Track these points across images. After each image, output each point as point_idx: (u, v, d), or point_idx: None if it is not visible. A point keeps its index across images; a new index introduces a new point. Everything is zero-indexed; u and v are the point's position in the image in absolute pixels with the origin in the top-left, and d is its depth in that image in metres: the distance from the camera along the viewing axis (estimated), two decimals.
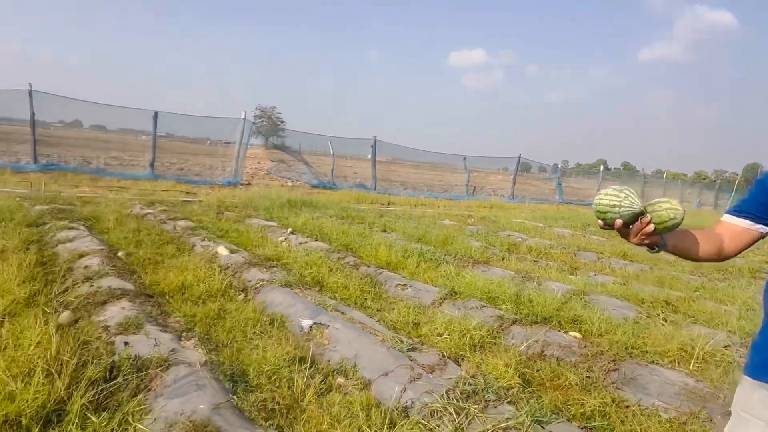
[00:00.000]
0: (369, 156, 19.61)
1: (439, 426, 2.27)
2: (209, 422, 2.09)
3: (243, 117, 15.53)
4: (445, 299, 4.30)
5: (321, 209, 9.84)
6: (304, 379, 2.64)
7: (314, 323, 3.49)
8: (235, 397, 2.43)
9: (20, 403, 2.08)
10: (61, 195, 9.11)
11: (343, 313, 3.77)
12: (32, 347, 2.47)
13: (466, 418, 2.32)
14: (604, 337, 3.57)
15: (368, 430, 2.27)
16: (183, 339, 3.13)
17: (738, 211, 1.42)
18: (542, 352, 3.37)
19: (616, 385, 2.99)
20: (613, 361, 3.18)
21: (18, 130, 17.93)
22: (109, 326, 3.08)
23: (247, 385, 2.62)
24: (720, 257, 1.43)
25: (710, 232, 1.44)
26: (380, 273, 5.07)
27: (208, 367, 2.65)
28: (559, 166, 29.65)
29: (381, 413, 2.40)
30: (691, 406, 2.73)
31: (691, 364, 3.18)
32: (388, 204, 14.13)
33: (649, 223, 1.29)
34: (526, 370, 3.05)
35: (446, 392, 2.53)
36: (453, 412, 2.34)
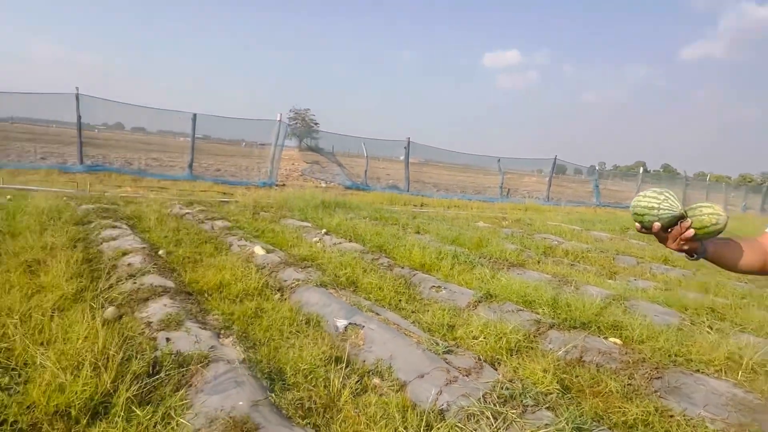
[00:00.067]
0: (401, 157, 19.62)
1: (476, 430, 2.25)
2: (248, 419, 2.13)
3: (278, 119, 15.77)
4: (480, 302, 4.25)
5: (354, 210, 9.89)
6: (340, 379, 2.65)
7: (349, 323, 3.51)
8: (272, 394, 2.46)
9: (69, 395, 2.16)
10: (105, 195, 9.43)
11: (377, 313, 3.78)
12: (80, 341, 2.56)
13: (504, 422, 2.29)
14: (646, 344, 3.47)
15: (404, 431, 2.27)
16: (221, 336, 3.19)
17: None
18: (581, 357, 3.29)
19: (659, 393, 2.90)
20: (656, 368, 3.08)
21: (65, 132, 18.68)
22: (151, 322, 3.17)
23: (284, 384, 2.65)
24: (765, 270, 1.35)
25: (755, 241, 1.36)
26: (414, 274, 5.06)
27: (246, 365, 2.69)
28: (596, 168, 28.99)
29: (417, 415, 2.39)
30: (739, 417, 2.62)
31: (740, 374, 3.05)
32: (421, 206, 14.09)
33: (689, 227, 1.24)
34: (565, 375, 2.99)
35: (483, 396, 2.50)
36: (490, 417, 2.31)
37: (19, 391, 2.22)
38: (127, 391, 2.23)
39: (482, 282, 4.91)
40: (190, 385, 2.45)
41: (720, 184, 33.77)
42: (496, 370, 3.00)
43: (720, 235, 1.27)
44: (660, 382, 2.99)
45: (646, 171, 29.99)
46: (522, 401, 2.47)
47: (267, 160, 16.14)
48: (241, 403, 2.26)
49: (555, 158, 21.44)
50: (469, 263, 5.68)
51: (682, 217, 1.25)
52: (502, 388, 2.58)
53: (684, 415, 2.68)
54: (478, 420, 2.31)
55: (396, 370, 2.91)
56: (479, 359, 3.05)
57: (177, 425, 2.11)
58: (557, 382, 2.81)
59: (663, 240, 1.30)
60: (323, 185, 17.36)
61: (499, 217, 12.37)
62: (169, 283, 3.99)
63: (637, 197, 1.33)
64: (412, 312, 4.08)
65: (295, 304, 3.96)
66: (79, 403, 2.13)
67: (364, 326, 3.44)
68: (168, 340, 2.90)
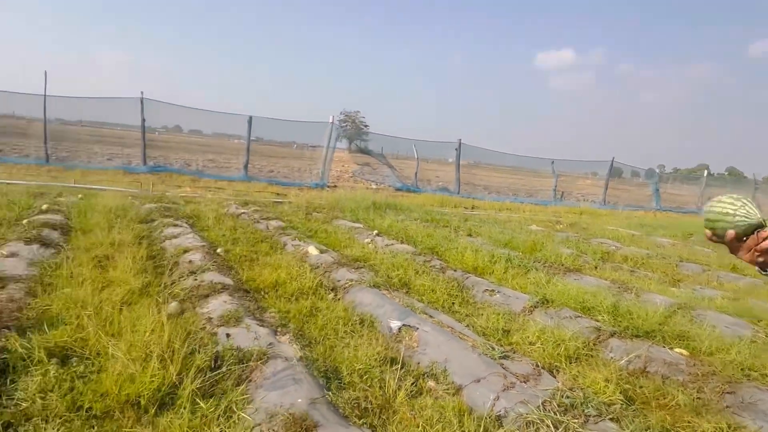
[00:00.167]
0: (450, 159, 19.48)
1: None
2: (307, 416, 2.15)
3: (331, 121, 15.99)
4: (536, 307, 4.15)
5: (405, 212, 9.89)
6: (396, 380, 2.65)
7: (403, 325, 3.50)
8: (329, 393, 2.49)
9: (139, 385, 2.26)
10: (166, 194, 9.83)
11: (431, 316, 3.76)
12: (147, 334, 2.67)
13: None
14: (716, 356, 3.28)
15: None
16: (278, 334, 3.25)
17: None
18: (645, 368, 3.15)
19: (732, 409, 2.73)
20: (728, 383, 2.91)
21: (129, 135, 19.64)
22: (212, 318, 3.27)
23: (340, 383, 2.67)
24: None
25: None
26: (467, 277, 5.00)
27: (303, 363, 2.74)
28: (656, 170, 27.78)
29: (474, 420, 2.35)
30: None
31: None
32: (472, 208, 13.93)
33: (766, 238, 1.15)
34: (628, 386, 2.86)
35: (542, 404, 2.43)
36: (550, 425, 2.25)
37: (93, 380, 2.34)
38: (191, 383, 2.31)
39: (537, 287, 4.79)
40: (250, 381, 2.51)
41: None
42: (554, 377, 2.92)
43: None
44: (732, 397, 2.82)
45: (710, 174, 28.45)
46: (584, 411, 2.39)
47: (318, 162, 16.39)
48: (299, 400, 2.29)
49: (612, 160, 20.71)
50: (523, 267, 5.56)
51: (760, 226, 1.16)
52: (562, 396, 2.50)
53: None
54: (537, 428, 2.25)
55: (451, 373, 2.88)
56: (537, 365, 2.98)
57: (238, 419, 2.16)
58: (620, 393, 2.70)
59: (735, 250, 1.21)
60: (374, 187, 17.47)
61: (552, 221, 12.06)
62: (228, 281, 4.11)
63: (710, 203, 1.25)
64: (466, 315, 4.03)
65: (349, 304, 4.00)
66: (147, 394, 2.22)
67: (417, 328, 3.42)
68: (228, 335, 2.99)
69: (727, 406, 2.75)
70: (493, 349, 3.12)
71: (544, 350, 3.27)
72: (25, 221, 5.56)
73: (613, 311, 4.02)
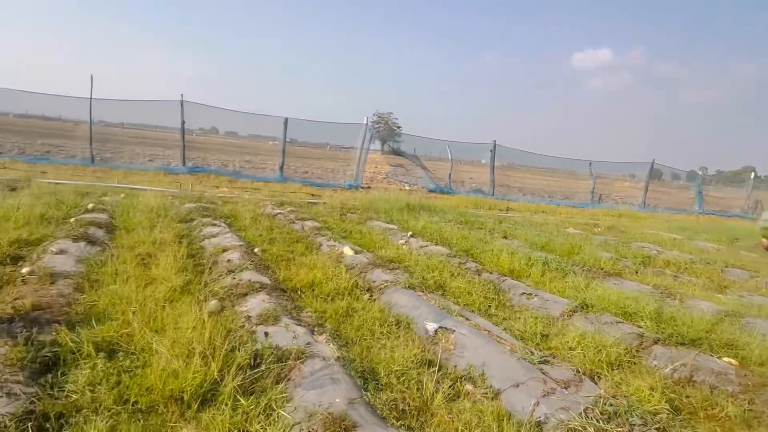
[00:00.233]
0: (483, 161, 19.29)
1: None
2: (346, 416, 2.16)
3: (365, 122, 16.06)
4: (575, 312, 4.06)
5: (439, 213, 9.84)
6: (433, 383, 2.63)
7: (439, 327, 3.48)
8: (367, 394, 2.49)
9: (182, 381, 2.31)
10: (204, 194, 10.06)
11: (467, 318, 3.72)
12: (189, 331, 2.73)
13: None
14: (767, 367, 3.14)
15: None
16: (315, 333, 3.27)
17: None
18: (691, 377, 3.04)
19: None
20: None
21: (168, 137, 20.18)
22: (250, 316, 3.32)
23: (377, 384, 2.67)
24: None
25: None
26: (503, 280, 4.93)
27: (341, 363, 2.74)
28: (699, 172, 26.85)
29: (513, 426, 2.32)
30: None
31: None
32: (507, 210, 13.76)
33: None
34: (674, 395, 2.77)
35: (584, 411, 2.37)
36: None
37: (138, 374, 2.41)
38: (232, 380, 2.35)
39: (576, 291, 4.70)
40: (289, 379, 2.53)
41: None
42: (596, 384, 2.85)
43: None
44: None
45: (756, 177, 27.28)
46: (628, 419, 2.32)
47: (352, 163, 16.48)
48: (337, 400, 2.30)
49: (653, 162, 20.13)
50: (561, 271, 5.46)
51: None
52: (605, 404, 2.44)
53: None
54: None
55: (489, 377, 2.84)
56: (578, 371, 2.91)
57: (278, 417, 2.18)
58: (666, 402, 2.61)
59: None
60: (407, 188, 17.45)
61: (590, 224, 11.80)
62: (265, 280, 4.17)
63: None
64: (503, 319, 3.98)
65: (385, 304, 3.99)
66: (190, 389, 2.27)
67: (454, 330, 3.39)
68: (266, 334, 3.02)
69: None
70: (532, 353, 3.06)
71: (584, 356, 3.20)
72: (72, 219, 5.78)
73: (656, 317, 3.90)
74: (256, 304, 3.55)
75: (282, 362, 2.64)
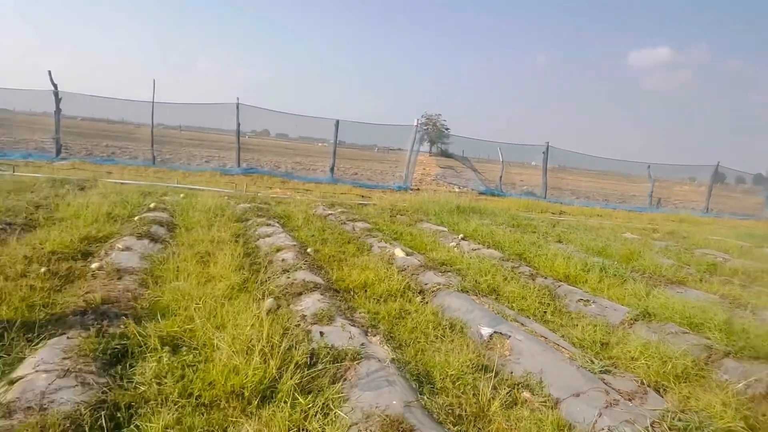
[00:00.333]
0: (533, 163, 18.88)
1: None
2: (403, 419, 2.15)
3: (415, 124, 16.05)
4: (636, 320, 3.90)
5: (490, 216, 9.70)
6: (489, 389, 2.58)
7: (494, 332, 3.42)
8: (423, 397, 2.47)
9: (242, 377, 2.36)
10: (258, 195, 10.31)
11: (522, 324, 3.64)
12: (248, 328, 2.79)
13: None
14: None
15: None
16: (369, 334, 3.28)
17: None
18: (767, 393, 2.85)
19: None
20: None
21: (223, 139, 20.83)
22: (305, 315, 3.36)
23: (432, 387, 2.65)
24: None
25: None
26: (558, 286, 4.80)
27: (396, 365, 2.74)
28: (766, 176, 25.29)
29: None
30: None
31: None
32: (560, 213, 13.40)
33: None
34: (748, 413, 2.60)
35: (651, 425, 2.27)
36: None
37: (201, 369, 2.48)
38: (290, 378, 2.38)
39: (637, 298, 4.51)
40: (345, 379, 2.55)
41: None
42: (662, 397, 2.72)
43: None
44: None
45: None
46: None
47: (401, 165, 16.50)
48: (394, 402, 2.29)
49: (717, 165, 19.11)
50: (619, 277, 5.26)
51: None
52: (673, 419, 2.32)
53: None
54: None
55: (547, 385, 2.77)
56: (642, 383, 2.79)
57: (335, 417, 2.19)
58: (740, 419, 2.46)
59: None
60: (456, 190, 17.31)
61: (648, 229, 11.33)
62: (319, 280, 4.22)
63: None
64: (560, 326, 3.87)
65: (437, 307, 3.96)
66: (250, 386, 2.32)
67: (510, 336, 3.32)
68: (322, 333, 3.06)
69: None
70: (592, 362, 2.96)
71: (648, 367, 3.06)
72: (136, 218, 6.05)
73: (726, 329, 3.68)
74: (311, 303, 3.60)
75: (338, 362, 2.66)
